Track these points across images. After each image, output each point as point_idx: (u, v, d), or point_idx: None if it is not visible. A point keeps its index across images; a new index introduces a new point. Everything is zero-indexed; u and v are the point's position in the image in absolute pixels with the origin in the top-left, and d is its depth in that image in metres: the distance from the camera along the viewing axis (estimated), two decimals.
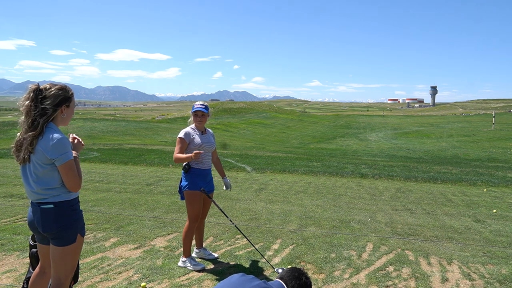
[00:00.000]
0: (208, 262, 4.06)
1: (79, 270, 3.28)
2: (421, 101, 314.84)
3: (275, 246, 4.55)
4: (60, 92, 2.39)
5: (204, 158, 3.88)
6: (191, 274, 3.72)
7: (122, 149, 17.52)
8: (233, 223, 4.25)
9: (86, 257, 4.09)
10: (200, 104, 3.96)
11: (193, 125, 3.97)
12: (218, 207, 4.00)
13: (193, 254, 4.16)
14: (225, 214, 4.08)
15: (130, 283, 3.48)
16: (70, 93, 2.44)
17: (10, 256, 4.10)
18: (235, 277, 2.11)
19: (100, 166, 11.58)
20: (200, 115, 3.92)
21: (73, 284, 3.16)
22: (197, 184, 3.83)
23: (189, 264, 3.87)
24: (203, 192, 3.84)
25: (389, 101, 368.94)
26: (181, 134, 3.87)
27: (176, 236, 4.85)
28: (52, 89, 2.37)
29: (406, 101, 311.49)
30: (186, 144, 3.85)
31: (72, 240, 2.41)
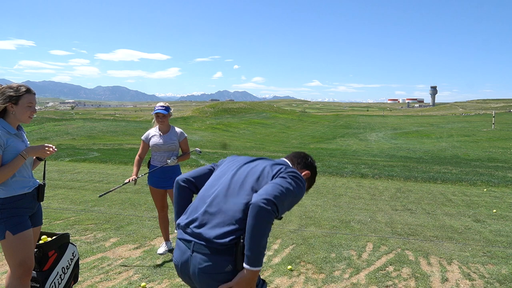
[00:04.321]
0: None
1: (79, 270, 3.29)
2: (421, 101, 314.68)
3: (275, 246, 4.55)
4: (8, 89, 2.44)
5: (156, 156, 4.17)
6: None
7: (122, 149, 17.53)
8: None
9: (86, 257, 4.09)
10: (160, 106, 4.11)
11: (157, 126, 4.20)
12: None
13: (164, 247, 4.29)
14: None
15: (130, 283, 3.48)
16: (21, 91, 2.45)
17: None
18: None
19: (100, 166, 11.57)
20: (161, 117, 4.09)
21: (73, 284, 3.16)
22: (150, 179, 4.25)
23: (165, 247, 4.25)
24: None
25: (389, 101, 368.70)
26: (142, 136, 4.30)
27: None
28: (2, 88, 2.45)
29: (406, 101, 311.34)
30: (146, 145, 4.22)
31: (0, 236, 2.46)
